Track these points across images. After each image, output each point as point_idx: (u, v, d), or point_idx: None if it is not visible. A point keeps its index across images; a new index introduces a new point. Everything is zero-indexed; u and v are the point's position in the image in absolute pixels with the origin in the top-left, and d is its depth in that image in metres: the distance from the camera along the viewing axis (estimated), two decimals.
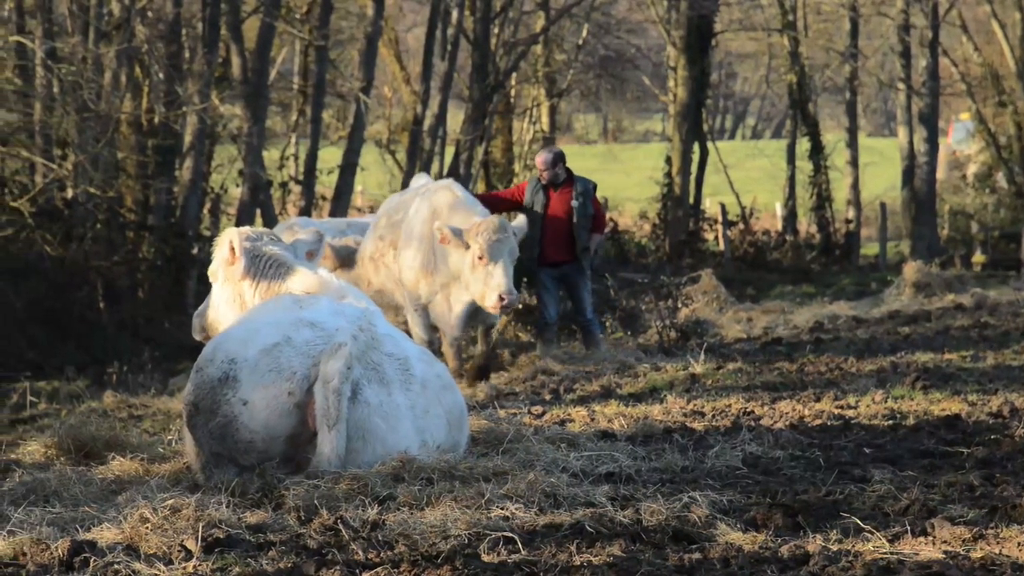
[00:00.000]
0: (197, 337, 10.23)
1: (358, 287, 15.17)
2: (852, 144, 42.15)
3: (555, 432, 10.16)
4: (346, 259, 15.80)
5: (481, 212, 14.85)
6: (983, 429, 10.51)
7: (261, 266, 9.89)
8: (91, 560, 6.89)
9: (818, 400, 12.26)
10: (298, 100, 35.37)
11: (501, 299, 14.22)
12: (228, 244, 9.92)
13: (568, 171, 16.64)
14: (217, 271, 10.09)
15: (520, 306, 17.18)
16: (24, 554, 7.08)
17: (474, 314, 14.91)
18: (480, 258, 14.35)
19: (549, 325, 16.78)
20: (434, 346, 15.07)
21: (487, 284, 14.34)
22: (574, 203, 16.48)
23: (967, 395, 12.40)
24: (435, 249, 14.79)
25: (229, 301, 9.98)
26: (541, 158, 16.74)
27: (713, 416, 11.52)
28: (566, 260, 16.62)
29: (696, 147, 39.16)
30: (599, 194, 17.22)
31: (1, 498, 8.54)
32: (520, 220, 14.96)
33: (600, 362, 15.72)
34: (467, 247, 14.46)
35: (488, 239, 14.31)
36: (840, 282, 33.93)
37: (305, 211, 30.78)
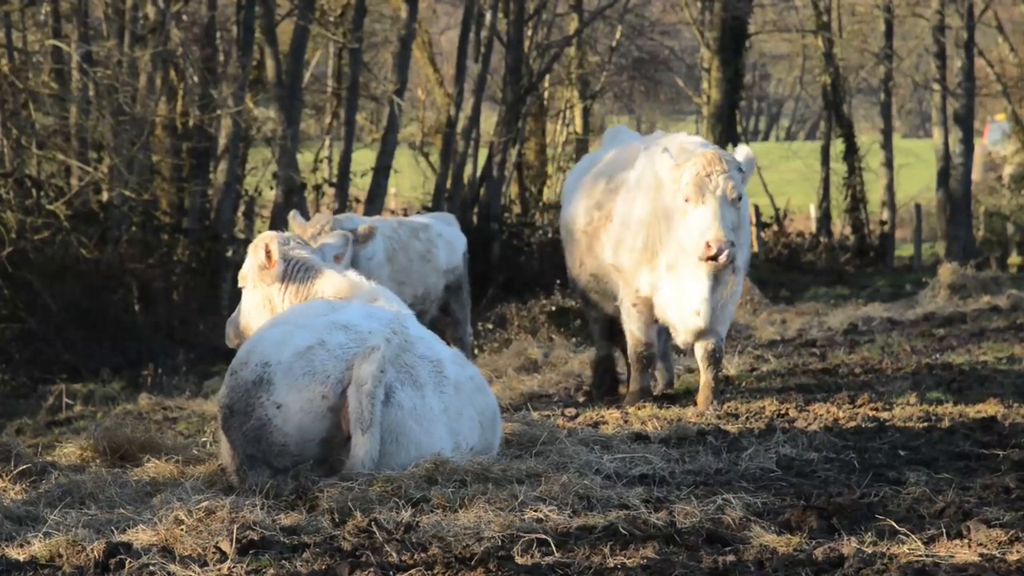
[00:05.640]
0: (231, 344, 10.13)
1: (573, 268, 13.43)
2: (887, 145, 42.00)
3: (588, 434, 10.16)
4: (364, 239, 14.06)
5: None
6: (1019, 431, 10.46)
7: (291, 270, 9.92)
8: (126, 562, 6.92)
9: (852, 402, 12.22)
10: (332, 102, 35.45)
11: (708, 246, 11.44)
12: (265, 248, 9.93)
13: None
14: (247, 275, 10.11)
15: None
16: (60, 556, 7.11)
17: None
18: (686, 199, 11.65)
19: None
20: (654, 348, 12.83)
21: (693, 230, 11.58)
22: None
23: (1002, 397, 12.34)
24: (661, 220, 12.13)
25: (259, 306, 10.01)
26: None
27: (747, 418, 11.50)
28: None
29: (730, 149, 39.04)
30: None
31: (37, 500, 8.59)
32: (745, 151, 12.22)
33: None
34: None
35: (695, 174, 11.63)
36: (875, 284, 33.83)
37: (338, 214, 30.82)
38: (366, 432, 8.53)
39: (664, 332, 13.12)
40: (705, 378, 12.32)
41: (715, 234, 11.40)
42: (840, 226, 41.46)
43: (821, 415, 11.45)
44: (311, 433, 8.67)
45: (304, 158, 33.02)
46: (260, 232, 28.41)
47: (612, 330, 13.62)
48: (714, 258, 11.44)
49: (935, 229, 41.93)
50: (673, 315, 12.24)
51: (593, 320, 13.65)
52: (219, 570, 6.83)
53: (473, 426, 9.16)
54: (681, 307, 12.12)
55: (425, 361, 9.05)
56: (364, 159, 33.55)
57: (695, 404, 12.45)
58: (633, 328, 12.59)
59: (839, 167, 41.01)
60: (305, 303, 9.62)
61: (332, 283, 9.76)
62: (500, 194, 34.88)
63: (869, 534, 7.31)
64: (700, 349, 12.29)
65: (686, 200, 11.58)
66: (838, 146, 40.98)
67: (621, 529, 7.36)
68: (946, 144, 40.28)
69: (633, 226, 12.32)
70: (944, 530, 7.32)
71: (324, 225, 13.43)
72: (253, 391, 8.73)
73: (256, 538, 7.22)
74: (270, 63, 29.29)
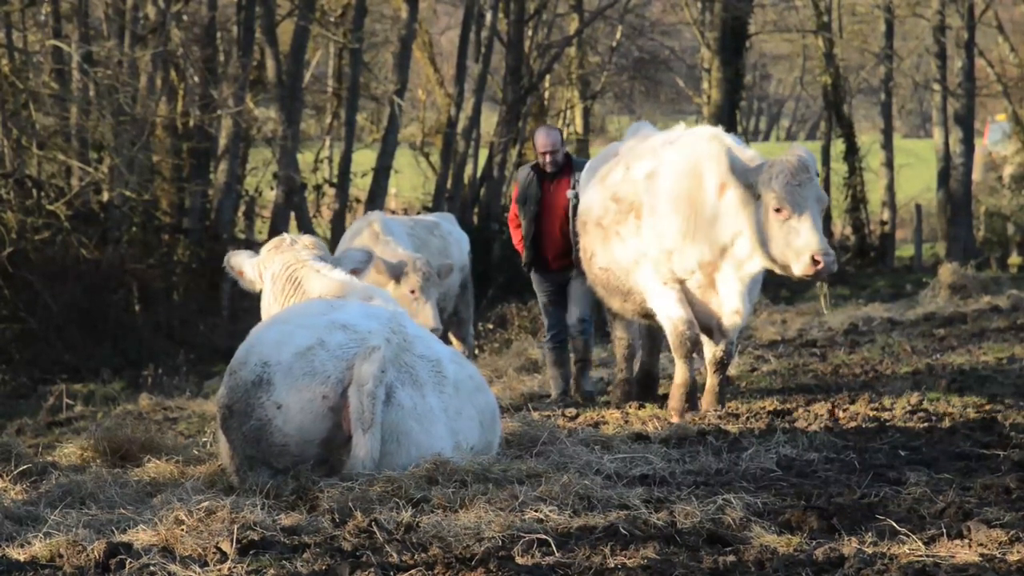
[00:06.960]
0: None
1: (584, 259, 12.94)
2: (887, 145, 41.96)
3: (589, 434, 10.17)
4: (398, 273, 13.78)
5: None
6: (1019, 431, 10.46)
7: (280, 272, 9.94)
8: (127, 562, 6.92)
9: (853, 402, 12.22)
10: (332, 103, 35.43)
11: (815, 262, 11.03)
12: (229, 266, 10.19)
13: (567, 155, 13.64)
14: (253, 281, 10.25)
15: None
16: (60, 556, 7.11)
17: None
18: (778, 210, 11.21)
19: (559, 344, 13.97)
20: (696, 327, 11.93)
21: (790, 244, 11.18)
22: (569, 193, 13.38)
23: (1003, 397, 12.34)
24: (697, 211, 11.75)
25: (265, 308, 10.13)
26: (545, 138, 13.56)
27: (747, 418, 11.50)
28: (568, 264, 13.54)
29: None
30: None
31: (38, 500, 8.59)
32: (803, 149, 11.69)
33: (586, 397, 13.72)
34: (757, 197, 11.40)
35: (786, 183, 11.22)
36: (875, 284, 33.82)
37: (339, 214, 30.84)
38: (367, 432, 8.53)
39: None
40: (711, 382, 12.08)
41: (819, 247, 11.11)
42: (840, 226, 41.42)
43: (821, 415, 11.45)
44: (312, 433, 8.67)
45: (304, 158, 33.01)
46: (260, 232, 28.42)
47: (633, 352, 13.36)
48: (819, 273, 11.12)
49: (935, 229, 41.90)
50: (703, 309, 11.94)
51: (618, 339, 13.27)
52: (219, 570, 6.83)
53: (473, 425, 9.16)
54: (719, 298, 11.84)
55: (424, 360, 9.05)
56: (364, 159, 33.54)
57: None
58: (668, 307, 11.94)
59: (839, 167, 40.98)
60: (304, 303, 9.63)
61: (321, 283, 9.76)
62: (500, 194, 34.86)
63: (869, 534, 7.31)
64: (709, 353, 12.00)
65: (777, 210, 11.21)
66: (838, 146, 40.94)
67: (621, 529, 7.36)
68: (946, 144, 40.25)
69: (667, 213, 11.89)
70: (944, 530, 7.32)
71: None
72: (253, 391, 8.72)
73: (256, 538, 7.22)
74: (270, 63, 29.29)
